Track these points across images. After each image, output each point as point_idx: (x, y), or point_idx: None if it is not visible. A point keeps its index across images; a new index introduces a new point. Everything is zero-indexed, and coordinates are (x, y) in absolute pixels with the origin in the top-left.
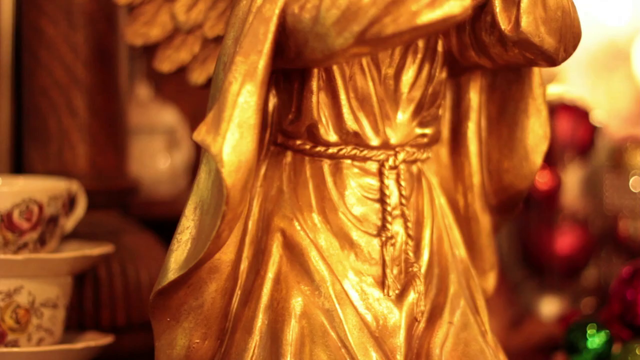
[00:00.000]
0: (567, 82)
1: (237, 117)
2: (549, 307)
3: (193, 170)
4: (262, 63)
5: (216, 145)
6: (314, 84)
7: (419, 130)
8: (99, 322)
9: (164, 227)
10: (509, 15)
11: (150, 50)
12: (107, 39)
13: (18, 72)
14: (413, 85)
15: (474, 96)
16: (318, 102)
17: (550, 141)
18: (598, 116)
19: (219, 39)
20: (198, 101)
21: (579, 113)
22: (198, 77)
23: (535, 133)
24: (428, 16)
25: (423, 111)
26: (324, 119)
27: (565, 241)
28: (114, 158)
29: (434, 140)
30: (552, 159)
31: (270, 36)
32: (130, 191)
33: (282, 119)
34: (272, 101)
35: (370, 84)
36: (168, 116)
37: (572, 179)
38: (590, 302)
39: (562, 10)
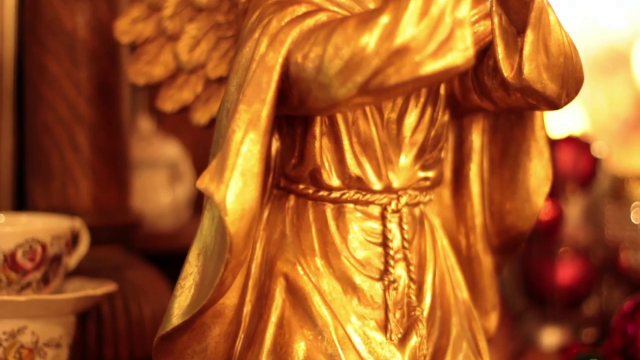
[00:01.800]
0: None
1: (241, 165)
2: (551, 338)
3: (195, 203)
4: (265, 112)
5: (219, 193)
6: (317, 129)
7: (421, 174)
8: (102, 358)
9: (166, 261)
10: (512, 62)
11: (153, 88)
12: (110, 75)
13: (21, 108)
14: (416, 128)
15: (476, 138)
16: (321, 147)
17: (552, 174)
18: (599, 148)
19: (221, 80)
20: (200, 133)
21: (580, 145)
22: (201, 117)
23: (537, 175)
24: (431, 67)
25: (425, 154)
26: (326, 164)
27: (566, 272)
28: (116, 194)
29: (437, 183)
30: (553, 191)
31: (273, 85)
32: (132, 226)
33: (285, 163)
34: (275, 145)
35: (373, 128)
36: (170, 149)
37: (574, 210)
38: (592, 332)
39: (565, 56)
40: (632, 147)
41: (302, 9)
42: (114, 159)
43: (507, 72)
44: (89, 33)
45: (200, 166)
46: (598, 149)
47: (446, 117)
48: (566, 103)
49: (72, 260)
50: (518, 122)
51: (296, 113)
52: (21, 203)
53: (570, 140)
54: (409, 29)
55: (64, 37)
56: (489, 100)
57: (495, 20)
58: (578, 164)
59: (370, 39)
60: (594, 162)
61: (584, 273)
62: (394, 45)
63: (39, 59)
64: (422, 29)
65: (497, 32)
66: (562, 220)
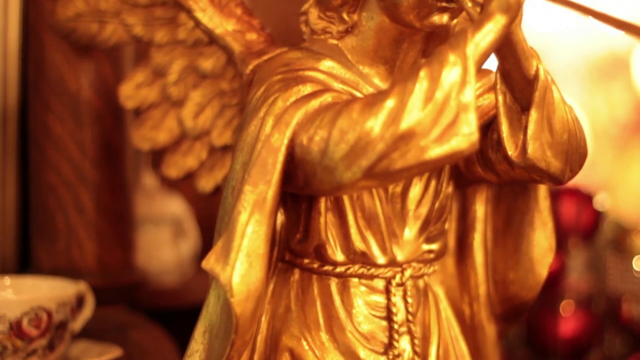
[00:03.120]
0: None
1: (246, 246)
2: None
3: (199, 259)
4: (271, 193)
5: (225, 274)
6: (322, 205)
7: (425, 247)
8: None
9: (171, 317)
10: (516, 141)
11: (157, 154)
12: (114, 135)
13: (25, 168)
14: (420, 201)
15: (480, 207)
16: (326, 222)
17: (555, 225)
18: (601, 200)
19: (226, 148)
20: None
21: (582, 198)
22: (205, 184)
23: (541, 246)
24: (436, 151)
25: (430, 226)
26: (331, 240)
27: (568, 324)
28: (121, 253)
29: (441, 254)
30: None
31: (278, 167)
32: (137, 286)
33: (290, 237)
34: (280, 219)
35: (378, 203)
36: (174, 206)
37: (576, 262)
38: None
39: (569, 132)
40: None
41: (307, 88)
42: (119, 219)
43: (511, 150)
44: (93, 94)
45: (204, 222)
46: (600, 201)
47: (450, 189)
48: (570, 178)
49: (77, 325)
50: (522, 193)
51: (302, 193)
52: (25, 262)
53: (573, 193)
54: (414, 114)
55: (68, 98)
56: (493, 173)
57: (500, 98)
58: (580, 217)
59: (375, 124)
60: (596, 215)
61: (586, 325)
62: (399, 130)
63: (43, 120)
64: (427, 114)
65: (501, 110)
66: (564, 272)
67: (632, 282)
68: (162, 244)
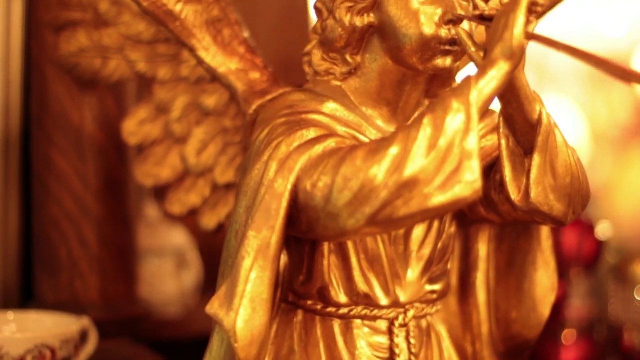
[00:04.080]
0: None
1: (250, 292)
2: None
3: (202, 290)
4: (274, 239)
5: (229, 320)
6: (325, 248)
7: (428, 287)
8: None
9: (174, 349)
10: (519, 185)
11: (160, 190)
12: (117, 169)
13: (27, 201)
14: (423, 242)
15: (483, 246)
16: (329, 265)
17: (557, 255)
18: (603, 230)
19: (229, 186)
20: None
21: (584, 228)
22: (209, 222)
23: (543, 285)
24: (439, 199)
25: (432, 267)
26: (334, 282)
27: (570, 352)
28: (124, 287)
29: (443, 294)
30: (558, 272)
31: (282, 212)
32: (140, 318)
33: (293, 279)
34: (283, 260)
35: (381, 245)
36: (177, 237)
37: (578, 291)
38: None
39: (571, 175)
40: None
41: (310, 133)
42: (121, 251)
43: (514, 194)
44: (96, 128)
45: (206, 252)
46: (602, 231)
47: (453, 229)
48: (572, 220)
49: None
50: (524, 233)
51: (305, 237)
52: (28, 295)
53: (574, 223)
54: (418, 161)
55: (71, 131)
56: (496, 214)
57: (503, 141)
58: (582, 247)
59: (379, 171)
60: (598, 245)
61: (588, 354)
62: (403, 178)
63: (46, 153)
64: (430, 161)
65: (504, 153)
66: (566, 301)
67: (634, 311)
68: (165, 276)
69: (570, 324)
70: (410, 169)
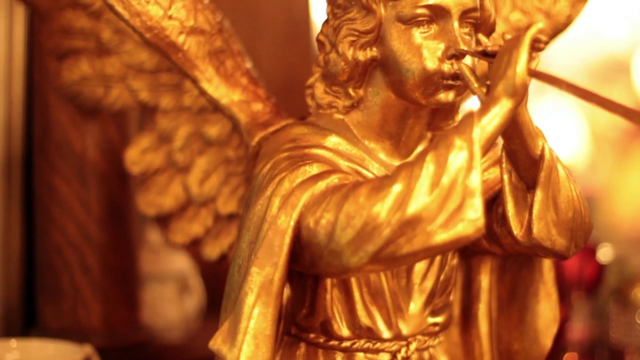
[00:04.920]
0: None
1: (253, 328)
2: None
3: (205, 315)
4: (277, 275)
5: (232, 356)
6: (328, 282)
7: (430, 319)
8: None
9: None
10: (521, 220)
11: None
12: (119, 196)
13: (30, 228)
14: (425, 275)
15: (485, 278)
16: (332, 299)
17: (558, 278)
18: (604, 254)
19: (232, 217)
20: None
21: (585, 251)
22: (211, 252)
23: (545, 317)
24: (442, 237)
25: (435, 299)
26: (337, 315)
27: None
28: (126, 313)
29: (445, 326)
30: (559, 295)
31: (285, 249)
32: (142, 344)
33: (296, 312)
34: (286, 293)
35: (383, 278)
36: (179, 262)
37: (579, 314)
38: None
39: (574, 210)
40: None
41: (313, 169)
42: (124, 278)
43: (516, 230)
44: (98, 155)
45: (208, 277)
46: (603, 255)
47: (455, 261)
48: (574, 253)
49: None
50: (526, 265)
51: (308, 272)
52: (31, 321)
53: None
54: (421, 199)
55: (73, 158)
56: (498, 246)
57: (505, 177)
58: (583, 271)
59: (382, 209)
60: (599, 269)
61: None
62: (406, 216)
63: (48, 180)
64: (433, 199)
65: (506, 188)
66: (567, 324)
67: (635, 335)
68: (167, 301)
69: (571, 347)
70: (413, 207)
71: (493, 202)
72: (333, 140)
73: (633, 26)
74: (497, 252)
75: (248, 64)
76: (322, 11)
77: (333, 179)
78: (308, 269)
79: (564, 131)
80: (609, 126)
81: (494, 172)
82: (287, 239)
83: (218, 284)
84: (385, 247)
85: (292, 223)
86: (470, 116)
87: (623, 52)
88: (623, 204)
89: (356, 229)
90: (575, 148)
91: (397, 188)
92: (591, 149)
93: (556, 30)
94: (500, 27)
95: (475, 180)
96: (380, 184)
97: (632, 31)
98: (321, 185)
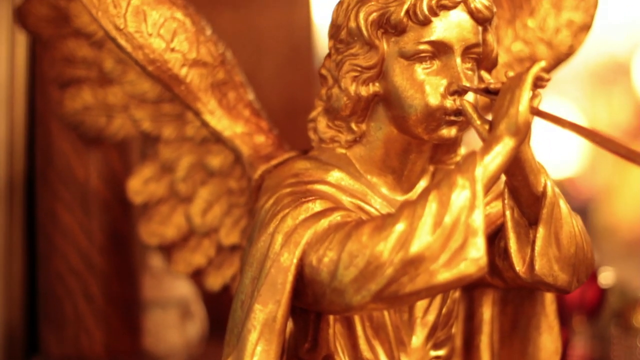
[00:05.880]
0: (567, 95)
1: None
2: None
3: (207, 341)
4: (280, 313)
5: None
6: (331, 316)
7: (433, 353)
8: None
9: None
10: (524, 256)
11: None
12: (122, 223)
13: (32, 255)
14: (427, 309)
15: (487, 310)
16: (334, 333)
17: (559, 302)
18: (605, 278)
19: (235, 248)
20: None
21: None
22: (214, 282)
23: (547, 349)
24: (445, 276)
25: (437, 332)
26: (340, 349)
27: None
28: (129, 340)
29: (448, 359)
30: (561, 320)
31: (288, 286)
32: None
33: (299, 346)
34: (289, 327)
35: (386, 313)
36: (182, 288)
37: (580, 338)
38: None
39: (576, 245)
40: None
41: (316, 206)
42: (126, 305)
43: (518, 266)
44: (101, 183)
45: (210, 303)
46: (604, 278)
47: (457, 294)
48: (576, 287)
49: None
50: (528, 297)
51: (311, 309)
52: (33, 349)
53: None
54: (423, 238)
55: (76, 186)
56: (500, 279)
57: (507, 213)
58: (585, 295)
59: (385, 248)
60: (601, 292)
61: None
62: (408, 255)
63: (51, 208)
64: (436, 238)
65: (509, 224)
66: (568, 349)
67: (637, 359)
68: (169, 327)
69: None
70: (416, 246)
71: (495, 236)
72: (335, 175)
73: (633, 28)
74: (499, 285)
75: (250, 95)
76: (324, 36)
77: (336, 217)
78: (311, 306)
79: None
80: (610, 127)
81: (497, 206)
82: (290, 277)
83: (220, 310)
84: (388, 286)
85: (294, 261)
86: (472, 155)
87: (623, 53)
88: (623, 205)
89: (359, 268)
90: (575, 149)
91: (399, 227)
92: (591, 150)
93: (558, 60)
94: (502, 58)
95: (478, 220)
96: (383, 223)
97: (632, 33)
98: (324, 222)
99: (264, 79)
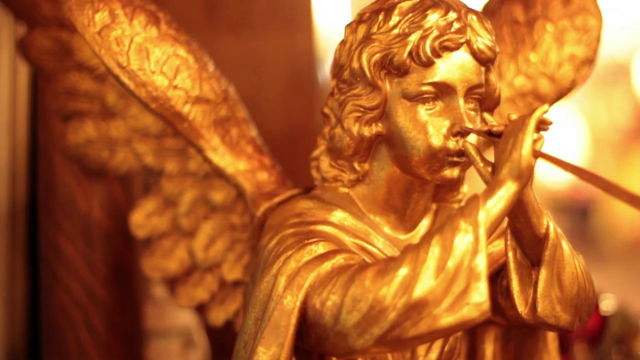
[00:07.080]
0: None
1: None
2: None
3: None
4: (283, 355)
5: None
6: (334, 358)
7: None
8: None
9: None
10: (526, 297)
11: (168, 282)
12: (124, 255)
13: (34, 287)
14: (430, 347)
15: (489, 346)
16: None
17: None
18: (606, 305)
19: (237, 283)
20: None
21: None
22: (216, 318)
23: None
24: (447, 320)
25: None
26: None
27: None
28: None
29: None
30: (562, 347)
31: (291, 329)
32: None
33: None
34: None
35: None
36: (184, 317)
37: None
38: None
39: (578, 286)
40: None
41: (319, 248)
42: (129, 336)
43: (521, 307)
44: (103, 215)
45: (212, 333)
46: (605, 305)
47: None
48: (578, 327)
49: None
50: (530, 334)
51: (314, 351)
52: None
53: None
54: (426, 283)
55: (78, 218)
56: (502, 317)
57: (510, 254)
58: (586, 324)
59: (388, 292)
60: (602, 320)
61: None
62: (411, 300)
63: (53, 240)
64: (439, 283)
65: (511, 265)
66: None
67: None
68: (172, 356)
69: None
70: (419, 291)
71: (497, 275)
72: (338, 216)
73: (633, 29)
74: (502, 323)
75: (253, 132)
76: (326, 61)
77: (339, 259)
78: (314, 348)
79: (565, 133)
80: (609, 129)
81: (499, 245)
82: (293, 319)
83: (223, 339)
84: (391, 330)
85: (298, 303)
86: (475, 199)
87: (623, 54)
88: (623, 206)
89: (362, 313)
90: (575, 150)
91: (403, 272)
92: (591, 151)
93: (560, 94)
94: (504, 92)
95: (481, 264)
96: (386, 267)
97: (632, 34)
98: (327, 265)
99: (266, 104)
